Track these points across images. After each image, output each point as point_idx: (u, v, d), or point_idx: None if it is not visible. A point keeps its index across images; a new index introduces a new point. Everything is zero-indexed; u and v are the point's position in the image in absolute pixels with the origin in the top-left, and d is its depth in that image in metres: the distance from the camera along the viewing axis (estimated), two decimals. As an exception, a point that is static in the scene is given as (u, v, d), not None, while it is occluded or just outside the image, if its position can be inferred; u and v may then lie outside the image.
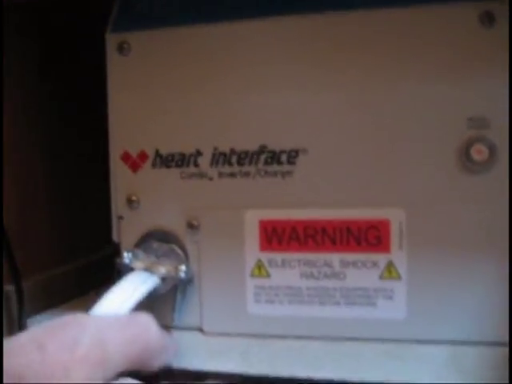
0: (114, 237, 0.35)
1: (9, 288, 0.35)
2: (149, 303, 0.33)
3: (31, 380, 0.22)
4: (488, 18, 0.29)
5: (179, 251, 0.33)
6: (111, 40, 0.33)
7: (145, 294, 0.32)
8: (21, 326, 0.35)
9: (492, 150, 0.29)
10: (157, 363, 0.29)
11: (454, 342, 0.30)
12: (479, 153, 0.29)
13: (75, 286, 0.38)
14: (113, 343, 0.25)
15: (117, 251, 0.34)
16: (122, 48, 0.33)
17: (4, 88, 0.36)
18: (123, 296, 0.31)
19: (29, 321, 0.37)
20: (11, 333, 0.36)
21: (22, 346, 0.23)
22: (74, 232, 0.43)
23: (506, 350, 0.30)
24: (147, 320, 0.28)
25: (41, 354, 0.23)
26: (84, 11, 0.41)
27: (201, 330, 0.34)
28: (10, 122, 0.37)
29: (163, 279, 0.33)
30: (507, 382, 0.30)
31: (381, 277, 0.31)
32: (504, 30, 0.29)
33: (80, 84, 0.42)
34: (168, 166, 0.33)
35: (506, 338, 0.30)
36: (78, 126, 0.43)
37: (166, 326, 0.33)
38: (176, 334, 0.34)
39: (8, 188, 0.37)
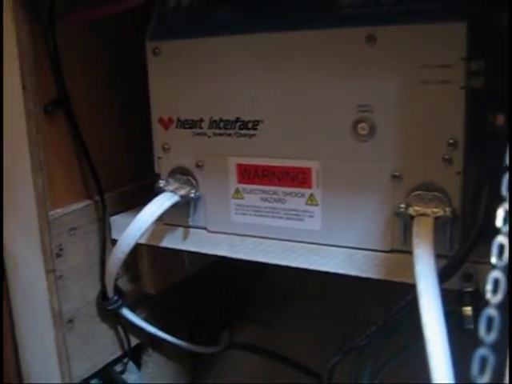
0: (156, 169, 0.55)
1: (96, 198, 0.58)
2: (175, 212, 0.54)
3: None
4: (371, 39, 0.44)
5: (192, 180, 0.53)
6: (148, 46, 0.52)
7: (170, 206, 0.52)
8: (104, 223, 0.58)
9: (372, 127, 0.45)
10: None
11: (350, 247, 0.48)
12: (363, 129, 0.45)
13: (139, 197, 0.60)
14: None
15: (157, 178, 0.55)
16: (155, 52, 0.52)
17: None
18: (156, 206, 0.52)
19: (111, 219, 0.60)
20: (99, 227, 0.59)
21: None
22: (139, 163, 0.64)
23: (381, 254, 0.47)
24: None
25: None
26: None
27: (206, 229, 0.54)
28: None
29: (182, 197, 0.53)
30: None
31: (306, 203, 0.49)
32: (383, 47, 0.44)
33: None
34: (185, 128, 0.53)
35: (381, 247, 0.47)
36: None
37: (185, 226, 0.54)
38: (191, 230, 0.55)
39: (92, 128, 0.59)
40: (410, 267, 0.45)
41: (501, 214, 0.25)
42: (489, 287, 0.24)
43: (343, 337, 0.75)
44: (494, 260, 0.25)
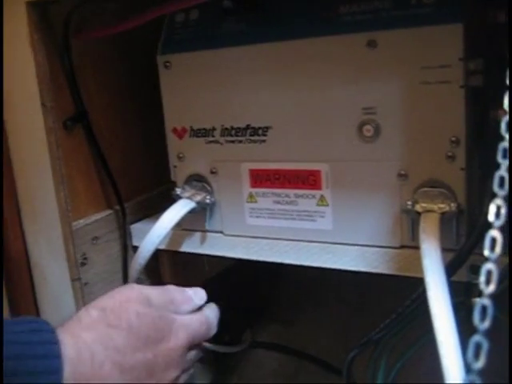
0: (172, 177, 0.58)
1: (116, 207, 0.61)
2: (192, 217, 0.56)
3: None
4: (372, 44, 0.45)
5: (208, 187, 0.56)
6: (160, 60, 0.55)
7: (187, 212, 0.55)
8: (125, 231, 0.61)
9: (376, 129, 0.47)
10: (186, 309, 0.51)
11: (361, 245, 0.50)
12: (368, 130, 0.47)
13: (157, 204, 0.62)
14: (154, 297, 0.48)
15: (173, 186, 0.57)
16: (166, 65, 0.54)
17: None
18: (173, 212, 0.54)
19: (131, 227, 0.62)
20: (121, 235, 0.61)
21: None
22: (156, 171, 0.66)
23: (391, 251, 0.48)
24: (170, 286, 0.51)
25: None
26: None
27: (222, 232, 0.56)
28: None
29: (198, 203, 0.55)
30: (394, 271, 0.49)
31: (317, 204, 0.51)
32: (383, 51, 0.45)
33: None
34: (198, 136, 0.55)
35: (391, 243, 0.48)
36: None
37: (202, 231, 0.56)
38: (208, 235, 0.57)
39: (110, 140, 0.61)
40: (419, 262, 0.46)
41: (493, 209, 0.27)
42: (482, 278, 0.26)
43: (364, 332, 0.77)
44: (486, 253, 0.26)
